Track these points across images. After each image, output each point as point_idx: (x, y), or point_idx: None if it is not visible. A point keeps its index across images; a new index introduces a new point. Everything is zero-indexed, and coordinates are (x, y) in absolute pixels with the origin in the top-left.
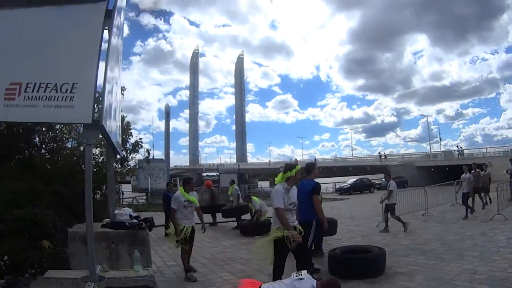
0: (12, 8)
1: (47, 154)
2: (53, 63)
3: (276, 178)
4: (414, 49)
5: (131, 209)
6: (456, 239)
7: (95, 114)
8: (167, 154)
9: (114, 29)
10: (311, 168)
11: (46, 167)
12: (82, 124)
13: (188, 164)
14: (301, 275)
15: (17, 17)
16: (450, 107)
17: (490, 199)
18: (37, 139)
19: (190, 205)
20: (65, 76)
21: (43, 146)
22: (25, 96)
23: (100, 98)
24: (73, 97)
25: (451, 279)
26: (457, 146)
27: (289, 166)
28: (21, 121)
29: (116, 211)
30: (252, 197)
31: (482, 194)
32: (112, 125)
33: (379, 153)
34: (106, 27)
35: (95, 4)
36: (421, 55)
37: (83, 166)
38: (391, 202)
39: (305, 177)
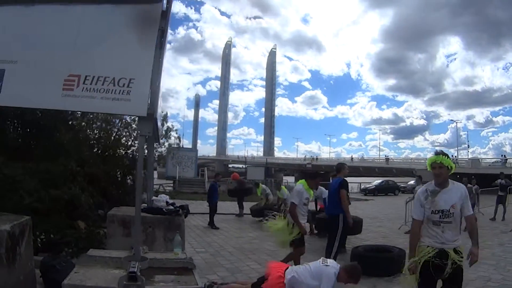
0: (70, 4)
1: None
2: (110, 58)
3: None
4: (447, 51)
5: (167, 196)
6: None
7: (149, 107)
8: (194, 143)
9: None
10: (341, 168)
11: (80, 150)
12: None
13: (215, 154)
14: (327, 262)
15: (76, 13)
16: (480, 113)
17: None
18: (72, 122)
19: (308, 202)
20: (122, 71)
21: (78, 129)
22: (83, 87)
23: (154, 93)
24: (130, 91)
25: (465, 284)
26: (452, 155)
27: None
28: (78, 110)
29: (154, 197)
30: (282, 186)
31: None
32: (158, 112)
33: (385, 156)
34: (161, 27)
35: (151, 5)
36: (454, 58)
37: (119, 151)
38: None
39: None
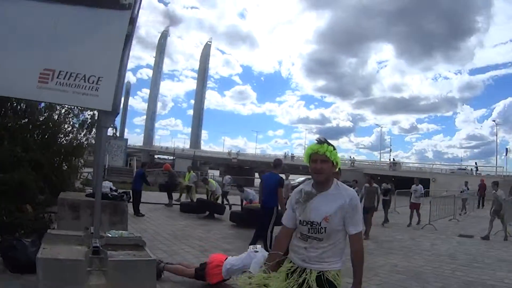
0: (47, 1)
1: (25, 121)
2: (83, 57)
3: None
4: (379, 58)
5: (111, 183)
6: (387, 240)
7: (113, 103)
8: (122, 132)
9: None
10: (279, 163)
11: (25, 135)
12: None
13: (141, 144)
14: (257, 248)
15: (52, 11)
16: (405, 119)
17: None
18: (19, 107)
19: None
20: (92, 70)
21: (22, 114)
22: (57, 81)
23: (118, 90)
24: (98, 88)
25: (375, 268)
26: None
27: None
28: (52, 102)
29: None
30: (209, 179)
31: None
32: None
33: (291, 154)
34: (128, 32)
35: (122, 11)
36: (385, 65)
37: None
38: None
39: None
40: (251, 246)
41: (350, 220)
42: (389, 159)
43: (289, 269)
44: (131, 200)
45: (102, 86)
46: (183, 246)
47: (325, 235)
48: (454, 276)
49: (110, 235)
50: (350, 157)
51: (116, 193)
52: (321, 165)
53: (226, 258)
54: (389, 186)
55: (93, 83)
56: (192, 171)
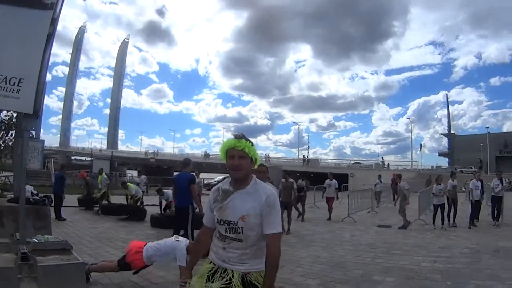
0: None
1: None
2: (4, 57)
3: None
4: (297, 57)
5: (32, 187)
6: (308, 233)
7: (35, 105)
8: (38, 133)
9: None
10: (189, 163)
11: None
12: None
13: (57, 145)
14: (179, 238)
15: None
16: (323, 117)
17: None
18: None
19: None
20: (14, 71)
21: None
22: None
23: (40, 92)
24: (20, 90)
25: (298, 260)
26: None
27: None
28: None
29: None
30: (128, 183)
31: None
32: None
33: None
34: (50, 32)
35: (43, 11)
36: (303, 64)
37: None
38: None
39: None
40: (174, 236)
41: (266, 219)
42: (304, 156)
43: (210, 270)
44: (53, 204)
45: (23, 88)
46: (107, 248)
47: (243, 235)
48: (374, 263)
49: (36, 241)
50: (265, 154)
51: (38, 197)
52: (239, 161)
53: (146, 244)
54: (303, 183)
55: (14, 85)
56: (103, 173)
